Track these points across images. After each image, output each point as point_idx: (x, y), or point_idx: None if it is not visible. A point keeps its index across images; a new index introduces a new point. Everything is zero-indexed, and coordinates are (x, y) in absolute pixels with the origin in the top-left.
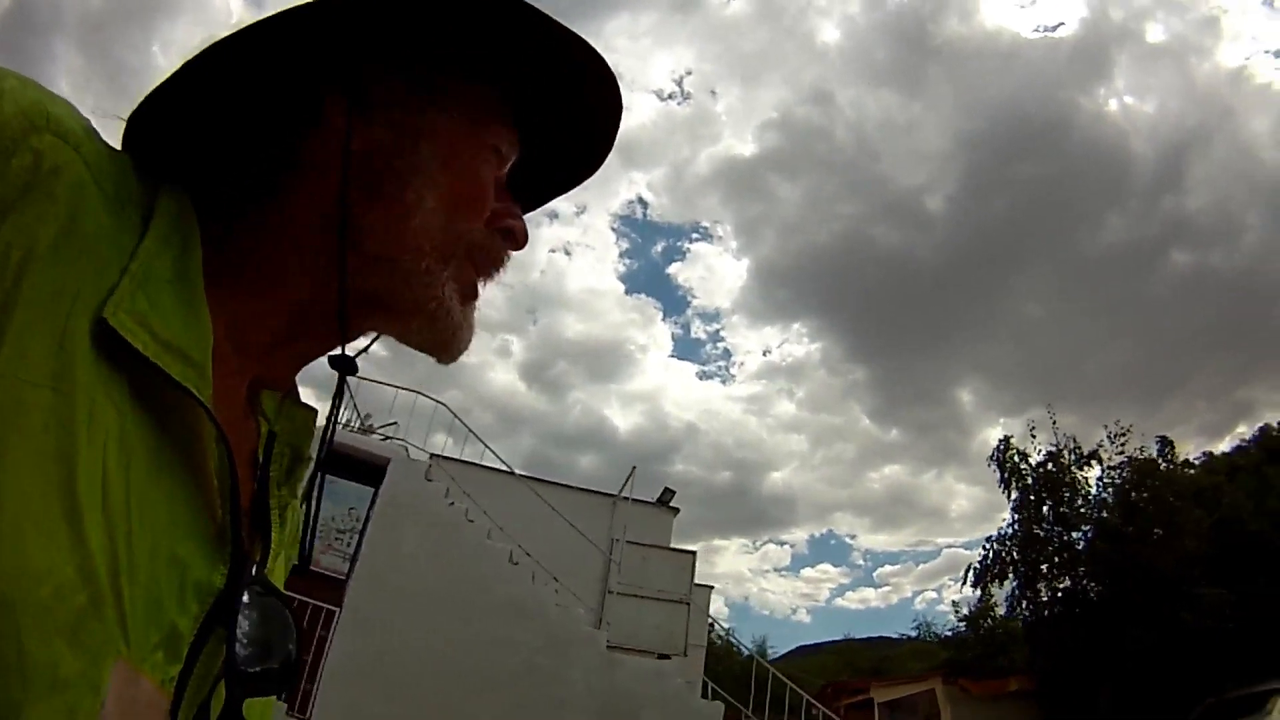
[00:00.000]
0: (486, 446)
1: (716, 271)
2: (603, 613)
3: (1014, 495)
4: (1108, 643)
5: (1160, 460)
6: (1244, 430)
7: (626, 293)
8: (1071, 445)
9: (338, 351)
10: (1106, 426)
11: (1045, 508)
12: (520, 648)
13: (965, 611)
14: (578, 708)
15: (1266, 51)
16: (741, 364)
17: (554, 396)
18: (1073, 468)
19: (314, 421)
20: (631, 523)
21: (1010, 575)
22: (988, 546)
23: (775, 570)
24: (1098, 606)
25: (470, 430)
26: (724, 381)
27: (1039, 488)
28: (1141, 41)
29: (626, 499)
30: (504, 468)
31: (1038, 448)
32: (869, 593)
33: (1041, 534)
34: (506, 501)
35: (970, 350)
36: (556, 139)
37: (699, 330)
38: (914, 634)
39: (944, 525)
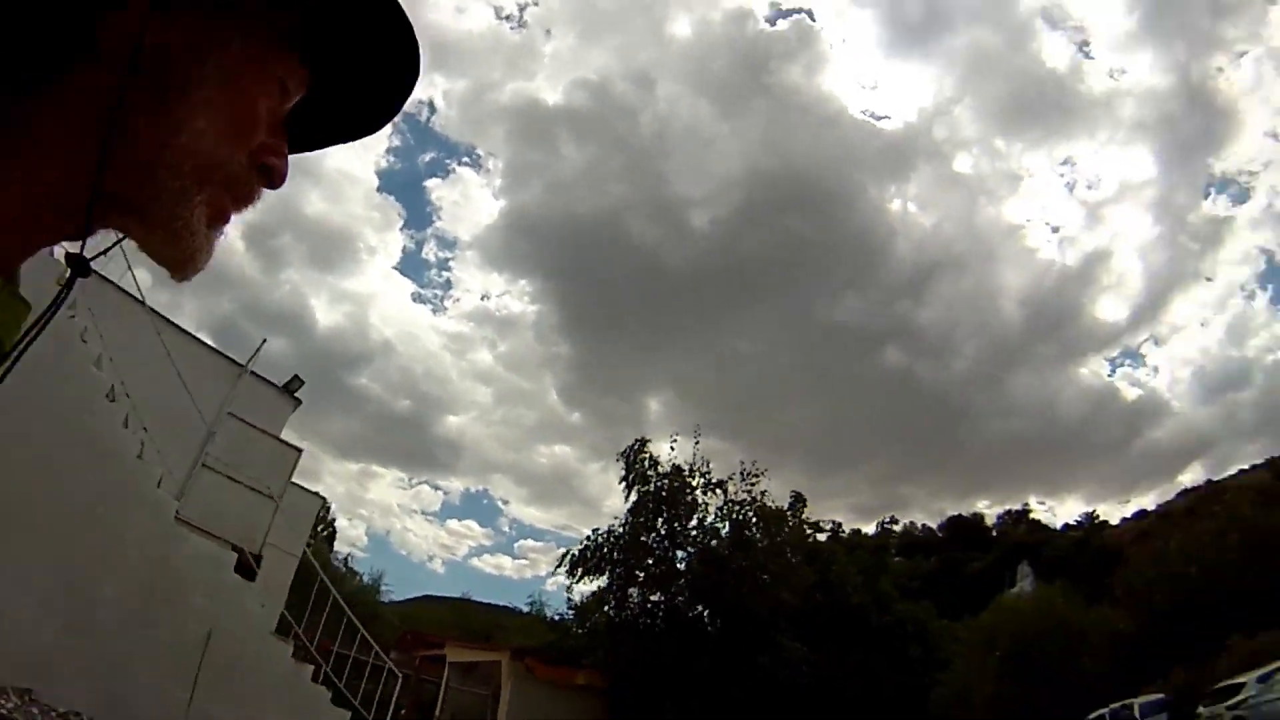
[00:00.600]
0: (129, 267)
1: (471, 202)
2: (187, 483)
3: (633, 496)
4: (681, 662)
5: (790, 514)
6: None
7: (378, 189)
8: (704, 468)
9: (76, 250)
10: (742, 463)
11: (660, 519)
12: (83, 489)
13: (576, 600)
14: (124, 570)
15: (1048, 224)
16: (458, 300)
17: (268, 267)
18: (698, 490)
19: (24, 318)
20: (249, 400)
21: (606, 573)
22: (591, 538)
23: (423, 513)
24: (683, 626)
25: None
26: (435, 311)
27: (660, 496)
28: (948, 165)
29: (252, 373)
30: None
31: (673, 460)
32: (505, 560)
33: (648, 542)
34: (132, 335)
35: (675, 363)
36: (344, 89)
37: (431, 252)
38: (527, 610)
39: (594, 517)
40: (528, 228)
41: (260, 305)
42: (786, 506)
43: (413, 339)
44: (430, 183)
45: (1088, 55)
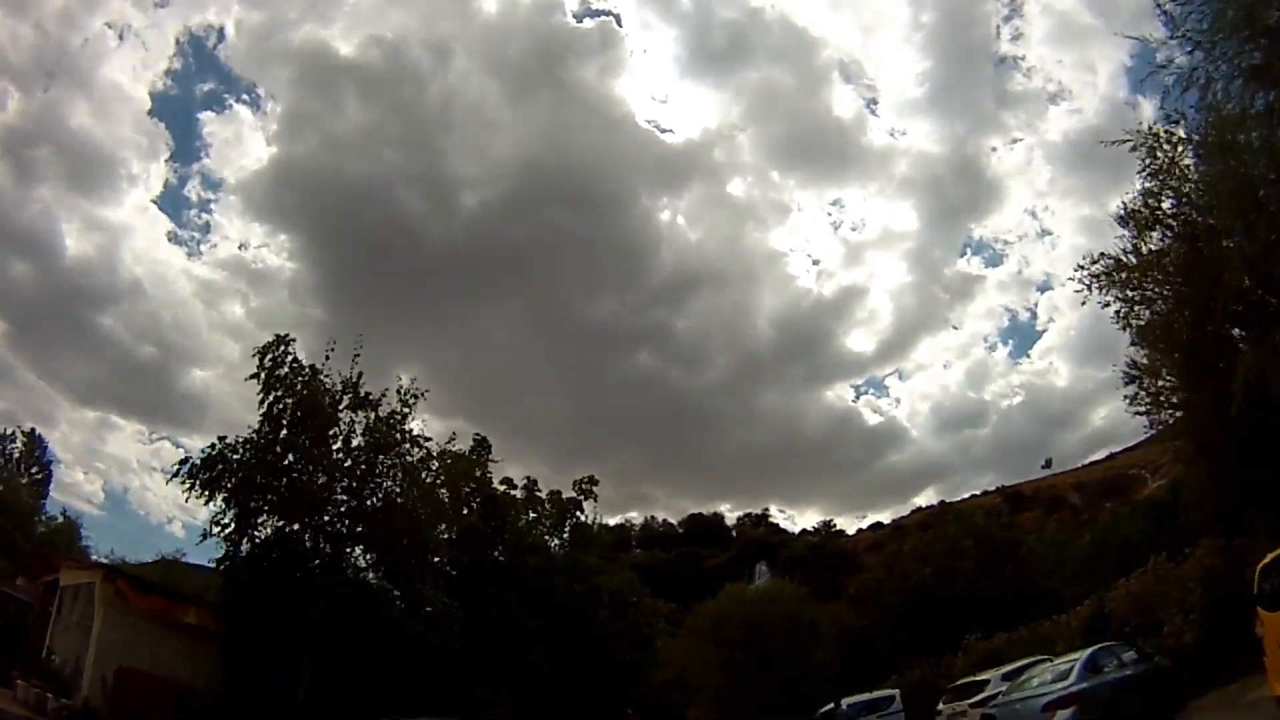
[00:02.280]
0: None
1: (244, 143)
2: None
3: (271, 403)
4: (312, 608)
5: (474, 458)
6: (635, 516)
7: (149, 112)
8: (355, 380)
9: None
10: (399, 377)
11: (299, 434)
12: None
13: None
14: None
15: (809, 256)
16: (215, 245)
17: (20, 183)
18: (344, 407)
19: None
20: None
21: (226, 491)
22: (215, 446)
23: (163, 471)
24: (320, 565)
25: None
26: (191, 254)
27: (298, 406)
28: (722, 186)
29: None
30: None
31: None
32: None
33: (280, 460)
34: None
35: (425, 341)
36: None
37: (195, 190)
38: None
39: None
40: (297, 180)
41: (6, 222)
42: (469, 450)
43: (164, 282)
44: (204, 115)
45: (874, 112)
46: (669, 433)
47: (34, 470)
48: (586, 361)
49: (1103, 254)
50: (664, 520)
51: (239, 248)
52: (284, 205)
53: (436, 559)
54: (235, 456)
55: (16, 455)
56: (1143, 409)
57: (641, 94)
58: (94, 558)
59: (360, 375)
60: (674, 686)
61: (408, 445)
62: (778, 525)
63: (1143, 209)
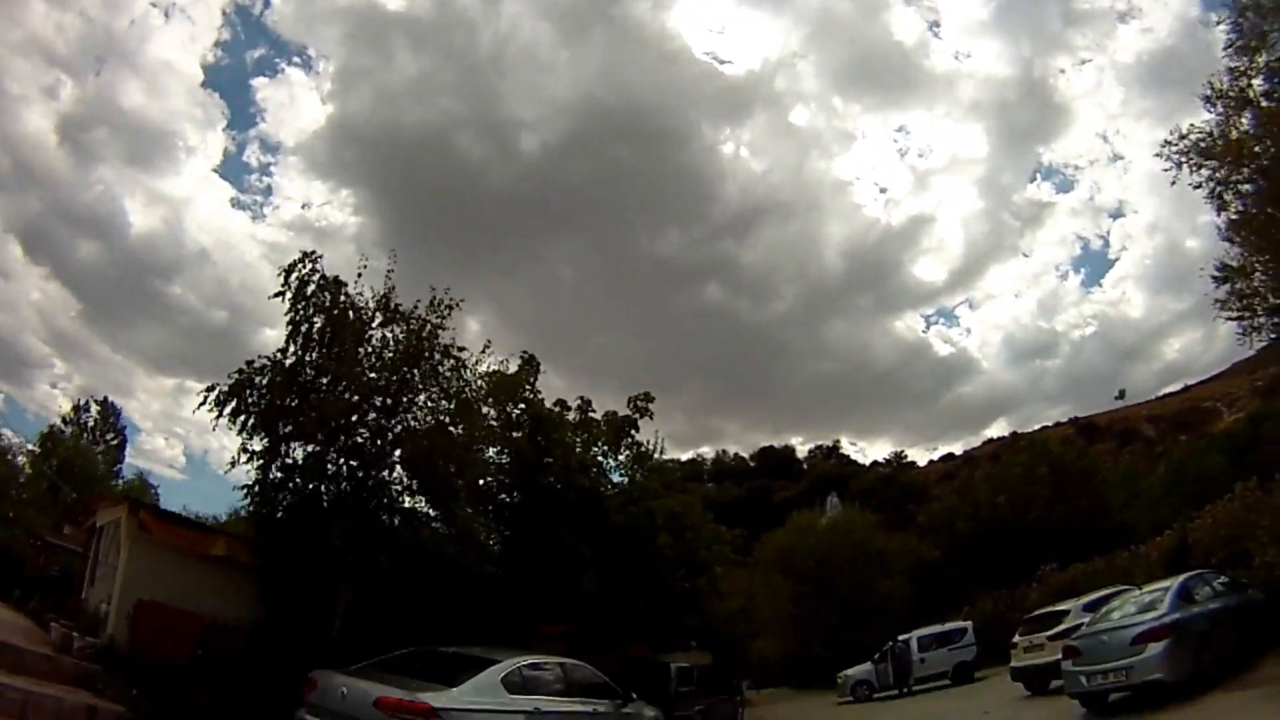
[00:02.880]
0: None
1: (298, 104)
2: None
3: (298, 321)
4: (329, 536)
5: (523, 377)
6: (707, 450)
7: (202, 84)
8: (391, 296)
9: None
10: (433, 289)
11: (326, 350)
12: None
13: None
14: None
15: (876, 184)
16: (278, 207)
17: (81, 165)
18: (375, 323)
19: None
20: None
21: (252, 415)
22: (244, 370)
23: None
24: (351, 488)
25: None
26: (255, 218)
27: (328, 321)
28: (784, 116)
29: None
30: None
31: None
32: None
33: (309, 379)
34: None
35: (495, 284)
36: None
37: (253, 156)
38: None
39: None
40: (355, 136)
41: (71, 205)
42: (518, 369)
43: (229, 247)
44: (257, 81)
45: (936, 34)
46: (738, 366)
47: (109, 437)
48: (654, 297)
49: (1192, 125)
50: (735, 454)
51: (302, 208)
52: (344, 162)
53: (481, 481)
54: (261, 380)
55: (91, 424)
56: (1234, 313)
57: (697, 25)
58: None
59: (393, 288)
60: (738, 618)
61: (439, 357)
62: (848, 457)
63: (1231, 89)
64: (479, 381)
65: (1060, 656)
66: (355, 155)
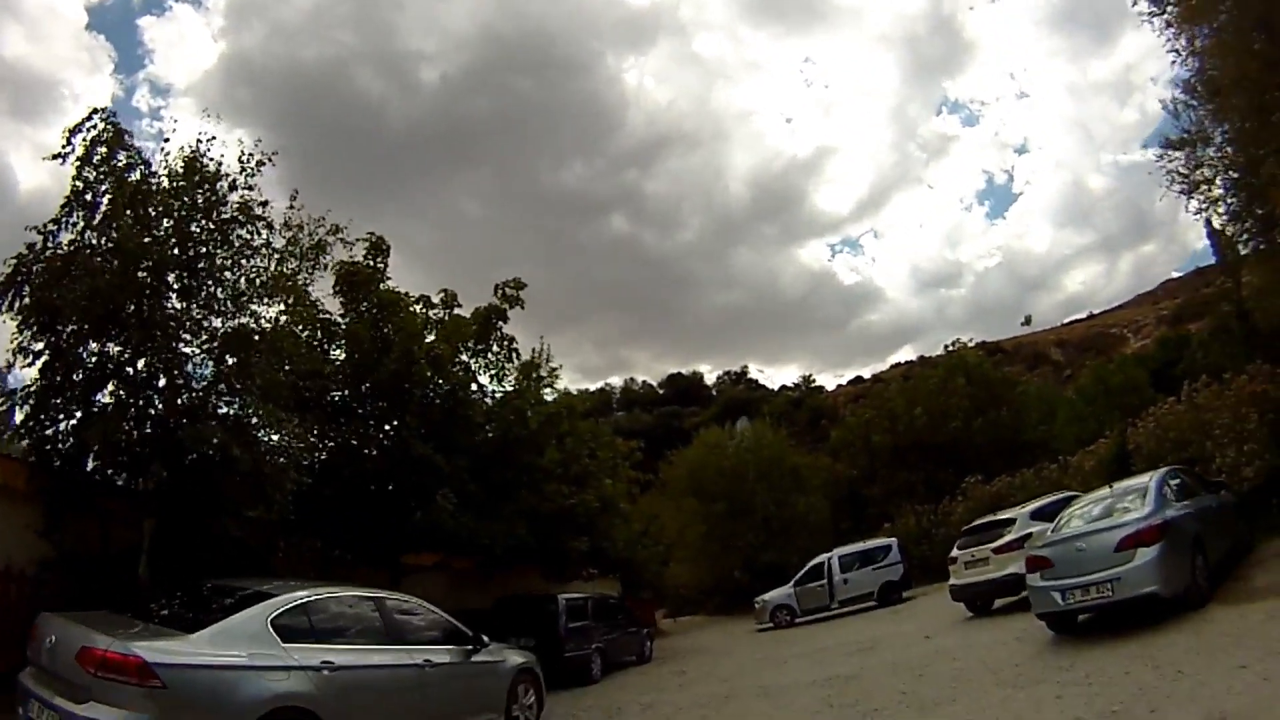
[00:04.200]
0: None
1: (188, 42)
2: None
3: (81, 190)
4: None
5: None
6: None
7: (87, 27)
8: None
9: None
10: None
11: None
12: None
13: None
14: None
15: (782, 115)
16: (169, 154)
17: None
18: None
19: None
20: None
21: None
22: (22, 255)
23: None
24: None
25: None
26: (147, 166)
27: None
28: (688, 45)
29: None
30: None
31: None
32: None
33: (101, 259)
34: None
35: (400, 222)
36: None
37: (143, 100)
38: None
39: None
40: (248, 74)
41: None
42: (364, 255)
43: None
44: (144, 21)
45: None
46: (646, 297)
47: None
48: (559, 229)
49: None
50: (644, 382)
51: (191, 151)
52: (239, 101)
53: (304, 382)
54: (36, 261)
55: None
56: (1185, 184)
57: None
58: None
59: (206, 152)
60: (644, 542)
61: (240, 219)
62: (757, 382)
63: None
64: (313, 265)
65: (1012, 571)
66: (250, 94)
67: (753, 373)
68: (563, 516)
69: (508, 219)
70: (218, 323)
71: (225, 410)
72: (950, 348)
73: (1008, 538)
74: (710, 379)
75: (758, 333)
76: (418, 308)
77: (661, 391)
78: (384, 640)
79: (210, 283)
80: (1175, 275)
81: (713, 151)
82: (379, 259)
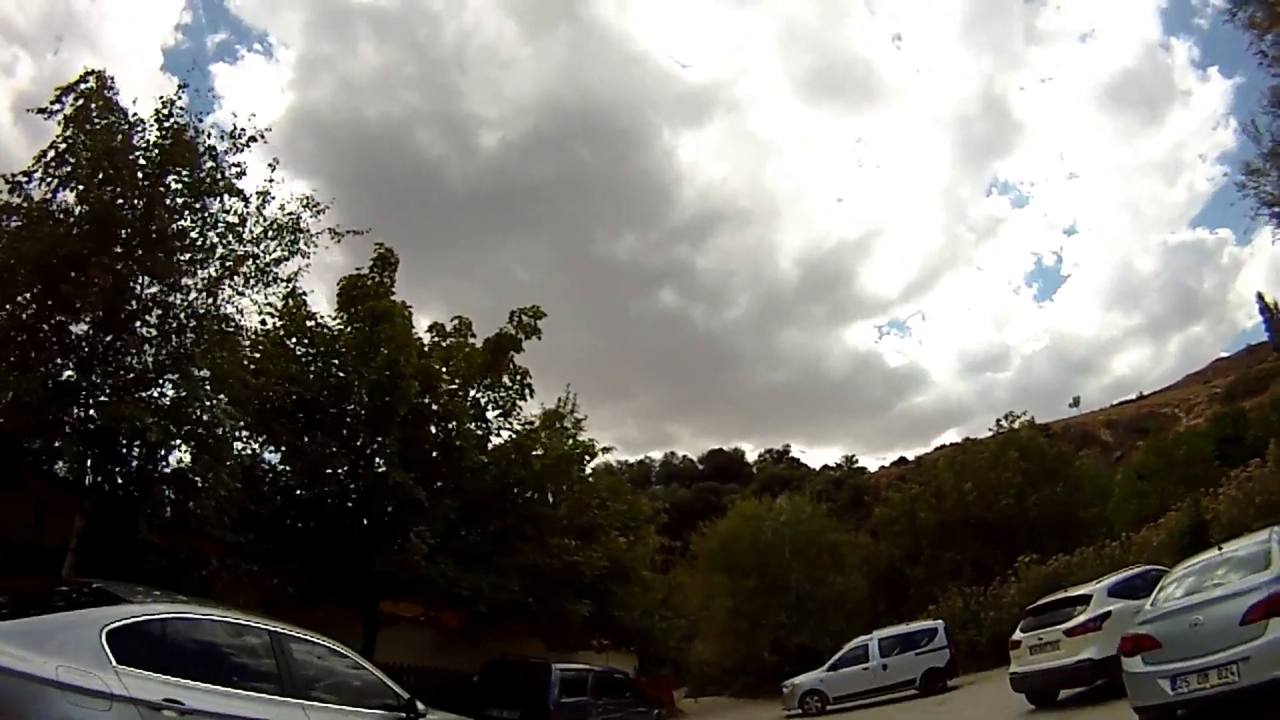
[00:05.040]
0: None
1: (258, 92)
2: None
3: (67, 151)
4: None
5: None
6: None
7: (162, 68)
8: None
9: None
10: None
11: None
12: None
13: None
14: None
15: (834, 195)
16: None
17: (35, 145)
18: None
19: None
20: None
21: None
22: None
23: None
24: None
25: None
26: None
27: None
28: (743, 122)
29: None
30: None
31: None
32: None
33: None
34: None
35: (449, 281)
36: None
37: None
38: None
39: None
40: (314, 126)
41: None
42: (369, 267)
43: None
44: (217, 68)
45: (899, 46)
46: (692, 372)
47: None
48: (609, 299)
49: None
50: (684, 456)
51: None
52: (303, 152)
53: (279, 388)
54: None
55: None
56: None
57: (661, 27)
58: None
59: (189, 124)
60: (663, 613)
61: (213, 189)
62: (799, 460)
63: None
64: (290, 244)
65: (1087, 656)
66: (314, 146)
67: (794, 452)
68: (564, 574)
69: (557, 286)
70: (177, 299)
71: (164, 396)
72: (1002, 421)
73: (1082, 617)
74: (751, 456)
75: (801, 412)
76: (425, 335)
77: (701, 467)
78: (273, 689)
79: (177, 257)
80: (1224, 355)
81: (764, 229)
82: (386, 273)
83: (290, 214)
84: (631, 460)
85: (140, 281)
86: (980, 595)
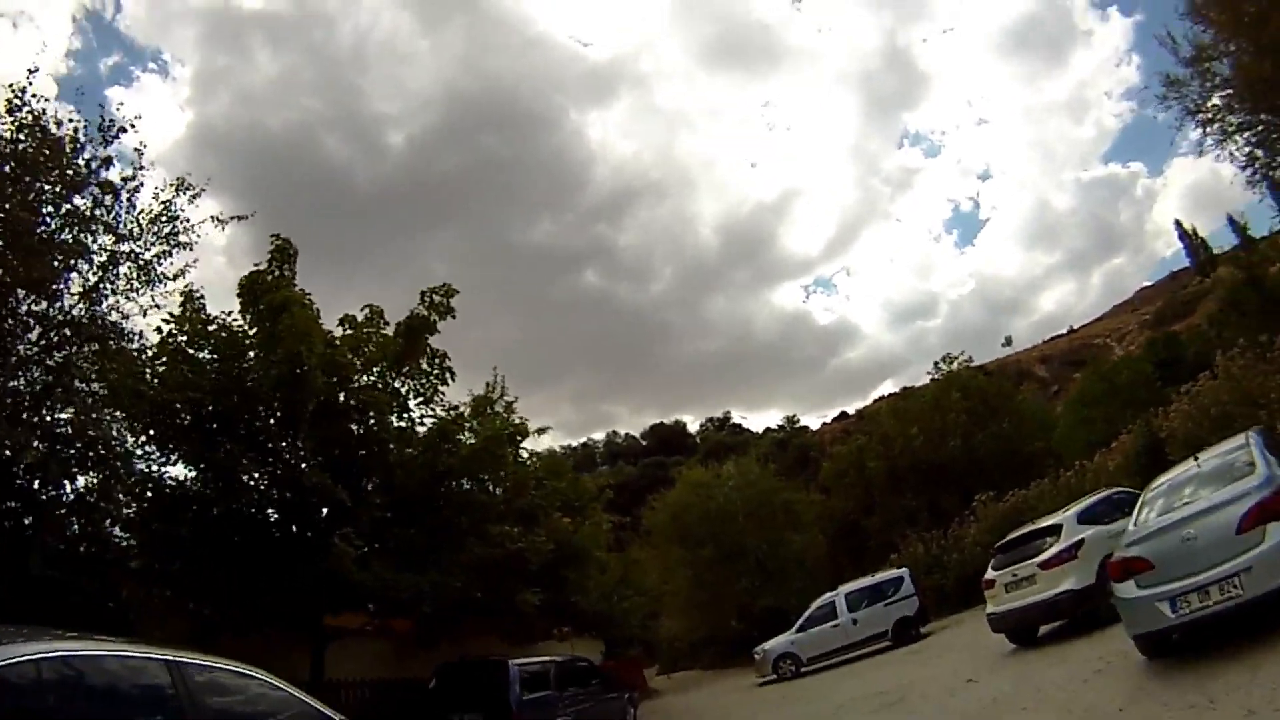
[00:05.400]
0: None
1: (157, 113)
2: None
3: None
4: None
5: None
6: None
7: (57, 97)
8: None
9: None
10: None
11: None
12: None
13: None
14: None
15: (747, 160)
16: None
17: None
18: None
19: None
20: None
21: None
22: None
23: None
24: None
25: None
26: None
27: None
28: (649, 96)
29: None
30: None
31: None
32: None
33: None
34: None
35: (368, 284)
36: None
37: (113, 172)
38: None
39: None
40: (216, 142)
41: None
42: (267, 260)
43: None
44: (112, 91)
45: (798, 8)
46: (623, 350)
47: None
48: (532, 285)
49: None
50: (626, 434)
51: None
52: (208, 170)
53: (179, 400)
54: None
55: None
56: (1196, 113)
57: (558, 8)
58: None
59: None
60: (621, 593)
61: (79, 183)
62: (741, 427)
63: None
64: (168, 239)
65: (1066, 588)
66: (219, 162)
67: (735, 418)
68: (509, 564)
69: (478, 277)
70: (55, 311)
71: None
72: (940, 364)
73: (1055, 548)
74: (693, 427)
75: (738, 379)
76: (338, 330)
77: (645, 443)
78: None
79: (53, 259)
80: (1147, 285)
81: (680, 201)
82: (285, 265)
83: (163, 202)
84: (575, 444)
85: (17, 295)
86: (941, 539)
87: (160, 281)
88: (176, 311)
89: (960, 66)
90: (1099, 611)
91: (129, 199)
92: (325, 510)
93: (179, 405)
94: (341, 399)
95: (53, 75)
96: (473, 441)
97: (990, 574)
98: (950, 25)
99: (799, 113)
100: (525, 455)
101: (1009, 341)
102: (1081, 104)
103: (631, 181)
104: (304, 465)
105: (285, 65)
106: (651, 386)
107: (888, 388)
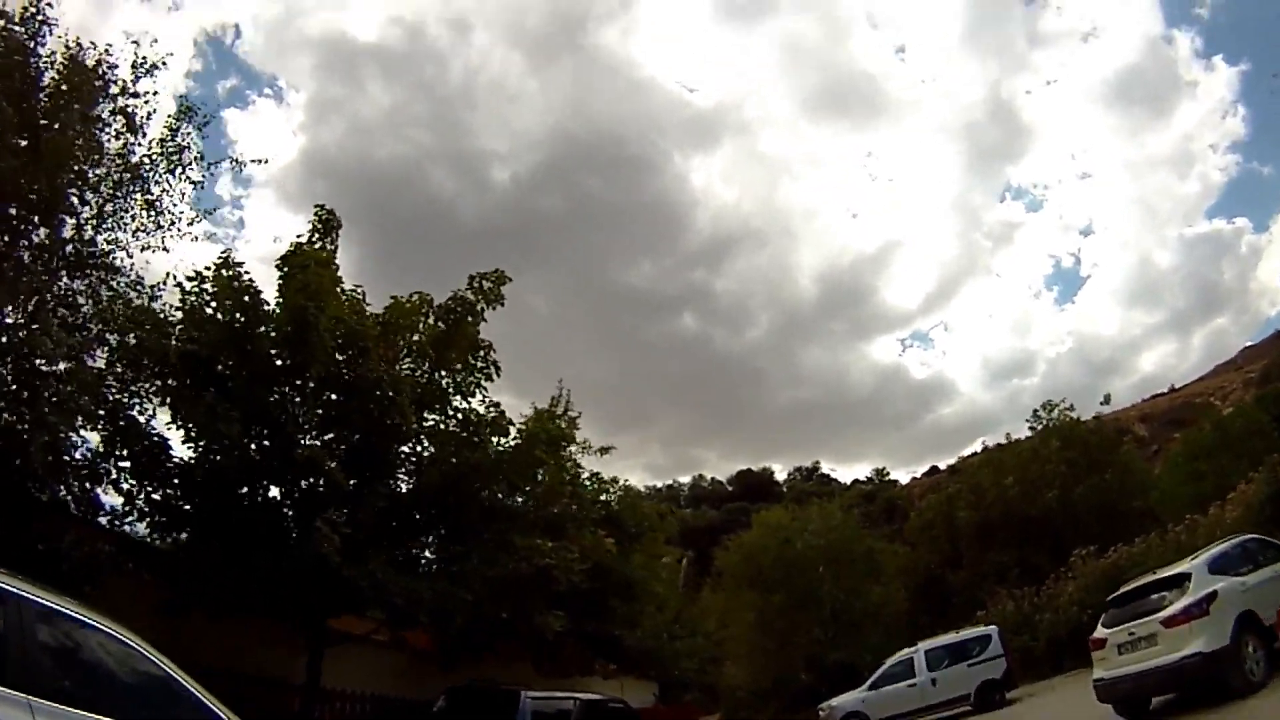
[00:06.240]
0: None
1: (270, 136)
2: None
3: None
4: None
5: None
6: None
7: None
8: None
9: None
10: None
11: None
12: None
13: None
14: None
15: (848, 210)
16: (249, 241)
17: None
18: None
19: None
20: None
21: None
22: None
23: None
24: None
25: None
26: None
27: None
28: (753, 143)
29: None
30: None
31: None
32: None
33: None
34: None
35: None
36: None
37: (224, 188)
38: None
39: None
40: (326, 169)
41: None
42: (309, 234)
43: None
44: (229, 113)
45: (902, 58)
46: (715, 395)
47: None
48: (629, 327)
49: None
50: (713, 479)
51: (274, 240)
52: (317, 194)
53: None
54: None
55: None
56: None
57: (666, 54)
58: None
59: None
60: (675, 632)
61: (106, 123)
62: (829, 477)
63: None
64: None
65: (1195, 650)
66: (327, 188)
67: (824, 469)
68: (534, 580)
69: (576, 317)
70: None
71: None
72: (1039, 412)
73: (1182, 602)
74: (780, 475)
75: (829, 430)
76: (352, 291)
77: (730, 488)
78: None
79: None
80: (1250, 344)
81: (780, 249)
82: (328, 239)
83: (168, 127)
84: (659, 485)
85: (20, 214)
86: (1033, 596)
87: (172, 224)
88: (204, 271)
89: (1064, 119)
90: (1228, 679)
91: (142, 127)
92: (321, 491)
93: (179, 361)
94: (355, 372)
95: (173, 94)
96: (505, 443)
97: (1100, 632)
98: (1054, 77)
99: (901, 164)
100: (569, 465)
101: (1108, 400)
102: (1186, 157)
103: (732, 228)
104: (302, 438)
105: (396, 98)
106: (742, 433)
107: (979, 447)
